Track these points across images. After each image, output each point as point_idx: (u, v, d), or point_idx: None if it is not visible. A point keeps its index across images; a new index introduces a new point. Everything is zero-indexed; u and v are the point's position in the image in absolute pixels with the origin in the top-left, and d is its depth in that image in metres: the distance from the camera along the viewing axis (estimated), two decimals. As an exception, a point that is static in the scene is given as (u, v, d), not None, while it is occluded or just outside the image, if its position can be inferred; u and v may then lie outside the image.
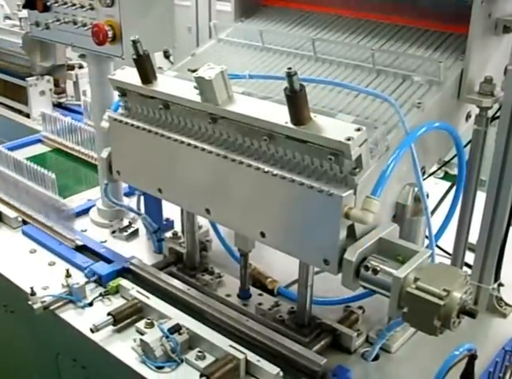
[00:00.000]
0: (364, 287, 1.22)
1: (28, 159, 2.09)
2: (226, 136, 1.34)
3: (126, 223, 2.05)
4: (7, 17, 3.24)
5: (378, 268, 1.18)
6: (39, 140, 2.77)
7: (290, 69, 1.13)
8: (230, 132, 1.32)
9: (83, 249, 1.91)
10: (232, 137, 1.33)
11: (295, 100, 1.16)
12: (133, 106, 1.54)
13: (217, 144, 1.36)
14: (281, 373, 1.37)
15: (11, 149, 2.35)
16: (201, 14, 2.28)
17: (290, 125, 1.19)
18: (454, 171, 2.31)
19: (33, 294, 1.63)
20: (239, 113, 1.27)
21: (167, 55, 2.13)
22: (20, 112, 3.06)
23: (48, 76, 2.97)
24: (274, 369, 1.37)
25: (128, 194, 2.17)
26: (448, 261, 1.69)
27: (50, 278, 1.76)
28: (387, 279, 1.17)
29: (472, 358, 1.16)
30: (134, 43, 1.40)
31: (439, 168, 1.84)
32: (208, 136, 1.39)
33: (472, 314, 1.12)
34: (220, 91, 1.29)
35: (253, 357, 1.40)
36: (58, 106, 3.10)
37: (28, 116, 2.99)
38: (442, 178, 2.28)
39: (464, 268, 1.66)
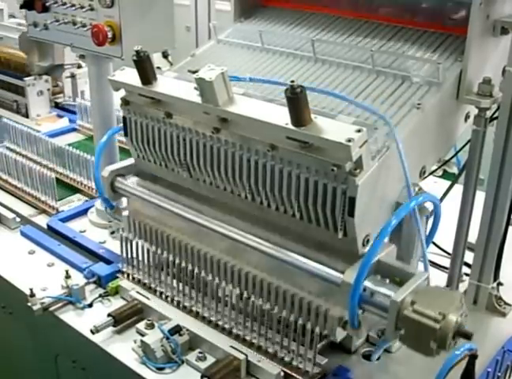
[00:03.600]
0: (362, 309, 1.23)
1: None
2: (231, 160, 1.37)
3: (125, 223, 2.04)
4: (12, 16, 3.22)
5: (376, 290, 1.21)
6: (75, 129, 2.86)
7: (293, 82, 1.14)
8: (234, 145, 1.34)
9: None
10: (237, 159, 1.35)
11: (296, 102, 1.16)
12: (133, 118, 1.56)
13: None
14: (282, 373, 1.37)
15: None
16: (201, 13, 2.28)
17: (290, 126, 1.19)
18: (453, 169, 2.32)
19: (32, 295, 1.63)
20: (240, 114, 1.28)
21: (165, 55, 2.12)
22: (18, 112, 3.05)
23: (46, 76, 2.96)
24: (275, 369, 1.37)
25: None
26: (447, 261, 1.70)
27: (50, 279, 1.76)
28: (384, 301, 1.19)
29: (473, 357, 1.16)
30: (138, 52, 1.40)
31: (439, 167, 1.85)
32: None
33: (467, 336, 1.14)
34: (221, 93, 1.29)
35: (254, 357, 1.40)
36: (55, 106, 3.10)
37: (26, 116, 2.99)
38: (440, 177, 2.28)
39: (464, 268, 1.67)
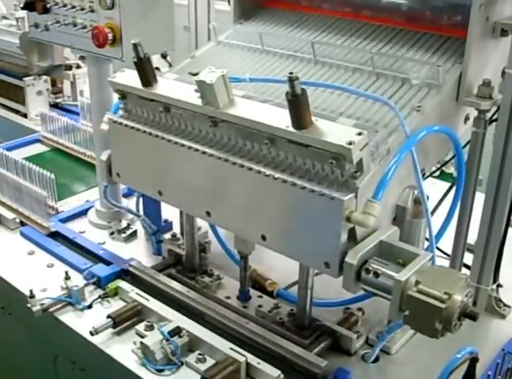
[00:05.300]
0: (365, 290, 1.23)
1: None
2: (227, 139, 1.34)
3: (124, 224, 2.04)
4: (4, 17, 3.22)
5: (379, 271, 1.19)
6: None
7: (291, 73, 1.13)
8: (231, 135, 1.33)
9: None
10: (233, 141, 1.33)
11: (297, 105, 1.16)
12: (133, 108, 1.53)
13: (218, 148, 1.36)
14: (282, 376, 1.37)
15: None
16: (200, 14, 2.27)
17: (291, 129, 1.19)
18: (451, 170, 2.32)
19: (32, 296, 1.62)
20: (240, 116, 1.28)
21: (164, 55, 2.12)
22: (17, 112, 3.05)
23: (45, 76, 2.96)
24: (275, 372, 1.37)
25: (127, 195, 2.17)
26: (447, 262, 1.70)
27: (49, 280, 1.75)
28: (388, 282, 1.17)
29: (474, 361, 1.16)
30: (135, 46, 1.40)
31: (438, 169, 1.85)
32: (209, 140, 1.38)
33: (473, 317, 1.13)
34: (221, 95, 1.29)
35: (253, 359, 1.40)
36: (54, 106, 3.09)
37: (25, 116, 2.98)
38: (438, 177, 2.28)
39: (463, 269, 1.67)
